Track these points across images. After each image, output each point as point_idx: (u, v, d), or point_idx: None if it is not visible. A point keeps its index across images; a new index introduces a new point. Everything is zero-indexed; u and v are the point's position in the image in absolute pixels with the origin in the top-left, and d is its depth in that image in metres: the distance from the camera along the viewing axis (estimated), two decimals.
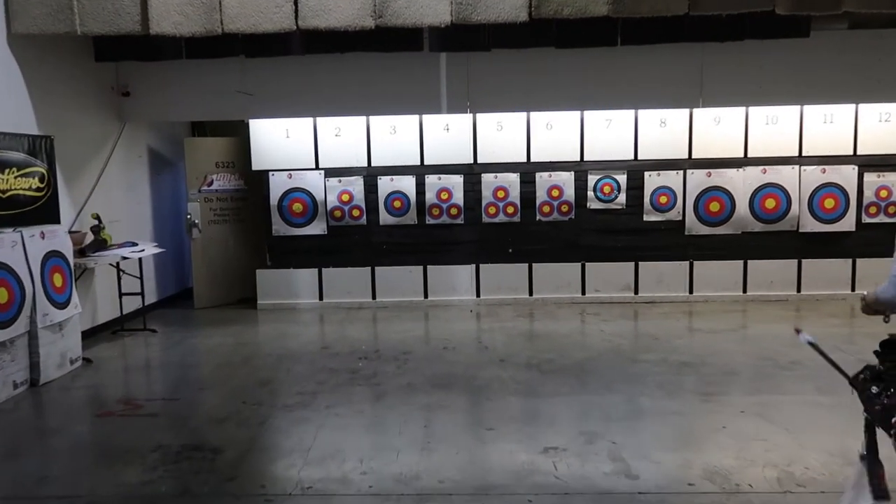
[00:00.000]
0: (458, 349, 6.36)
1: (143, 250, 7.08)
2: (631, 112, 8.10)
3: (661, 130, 8.13)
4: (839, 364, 2.46)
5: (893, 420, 2.31)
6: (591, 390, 5.12)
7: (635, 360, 5.86)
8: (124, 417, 4.74)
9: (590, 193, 8.26)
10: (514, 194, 8.29)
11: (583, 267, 8.36)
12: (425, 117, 8.17)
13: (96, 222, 6.89)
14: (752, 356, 5.90)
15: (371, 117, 8.20)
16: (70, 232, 6.39)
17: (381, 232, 8.42)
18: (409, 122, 8.19)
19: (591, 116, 8.13)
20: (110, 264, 6.99)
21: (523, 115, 8.16)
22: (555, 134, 8.17)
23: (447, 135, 8.21)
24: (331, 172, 8.33)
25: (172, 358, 6.48)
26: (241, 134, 8.47)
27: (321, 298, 8.50)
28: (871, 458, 2.44)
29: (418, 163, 8.27)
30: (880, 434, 2.43)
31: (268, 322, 7.85)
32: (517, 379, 5.42)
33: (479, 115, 8.15)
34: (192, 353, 6.61)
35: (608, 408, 4.70)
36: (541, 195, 8.29)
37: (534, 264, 8.38)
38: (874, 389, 2.38)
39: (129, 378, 5.90)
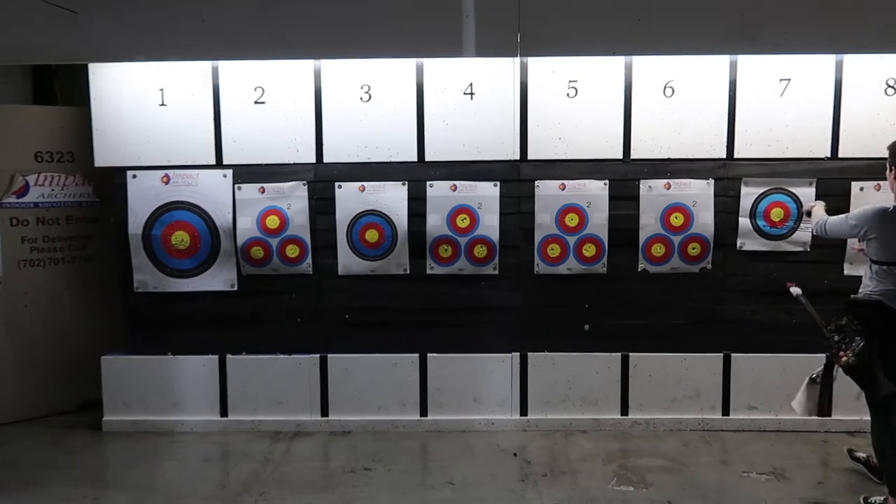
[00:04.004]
0: None
1: None
2: (830, 61, 4.15)
3: (887, 100, 4.17)
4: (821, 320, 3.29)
5: (838, 355, 3.16)
6: None
7: None
8: None
9: (743, 221, 4.29)
10: (598, 221, 4.30)
11: (726, 361, 4.36)
12: (428, 67, 4.21)
13: None
14: None
15: (323, 64, 4.23)
16: None
17: (340, 288, 4.42)
18: (396, 76, 4.23)
19: (752, 69, 4.17)
20: None
21: (619, 65, 4.20)
22: (679, 105, 4.21)
23: (471, 104, 4.23)
24: (246, 173, 4.35)
25: None
26: None
27: (224, 414, 4.46)
28: (823, 386, 3.44)
29: (413, 157, 4.29)
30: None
31: (101, 480, 3.80)
32: None
33: (533, 64, 4.19)
34: None
35: None
36: (648, 223, 4.31)
37: (631, 355, 4.38)
38: (836, 338, 3.19)
39: None
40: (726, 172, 4.27)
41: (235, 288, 4.42)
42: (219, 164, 4.33)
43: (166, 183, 4.34)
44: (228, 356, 4.45)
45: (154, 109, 4.28)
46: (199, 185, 4.34)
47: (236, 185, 4.34)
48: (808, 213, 4.01)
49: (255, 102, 4.27)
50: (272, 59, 4.14)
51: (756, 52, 3.99)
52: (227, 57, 4.12)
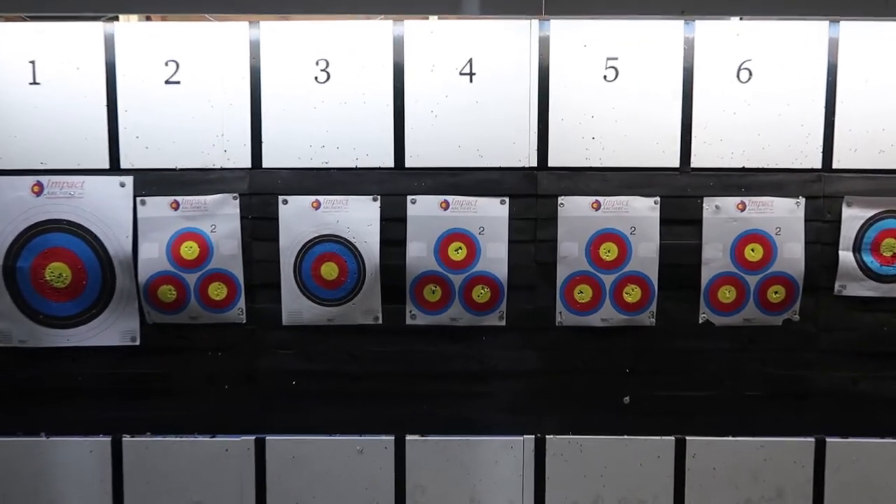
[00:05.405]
0: None
1: None
2: None
3: None
4: None
5: None
6: None
7: None
8: None
9: (844, 256, 3.11)
10: (645, 253, 3.11)
11: (819, 449, 3.17)
12: (411, 34, 3.00)
13: None
14: None
15: (262, 29, 3.01)
16: None
17: (284, 343, 3.17)
18: (365, 47, 3.02)
19: (858, 46, 3.02)
20: None
21: (676, 37, 3.03)
22: (758, 94, 3.04)
23: (470, 88, 3.03)
24: (152, 181, 3.10)
25: None
26: None
27: None
28: None
29: (389, 161, 3.07)
30: None
31: None
32: None
33: (557, 32, 3.00)
34: None
35: None
36: (714, 257, 3.12)
37: (689, 439, 3.17)
38: None
39: None
40: (822, 188, 3.09)
41: (137, 342, 3.15)
42: (114, 168, 3.07)
43: (38, 194, 3.08)
44: (126, 438, 3.17)
45: (22, 90, 3.03)
46: (85, 197, 3.08)
47: (138, 199, 3.08)
48: None
49: (167, 82, 3.03)
50: (187, 18, 2.93)
51: (868, 15, 2.83)
52: (125, 10, 2.90)
